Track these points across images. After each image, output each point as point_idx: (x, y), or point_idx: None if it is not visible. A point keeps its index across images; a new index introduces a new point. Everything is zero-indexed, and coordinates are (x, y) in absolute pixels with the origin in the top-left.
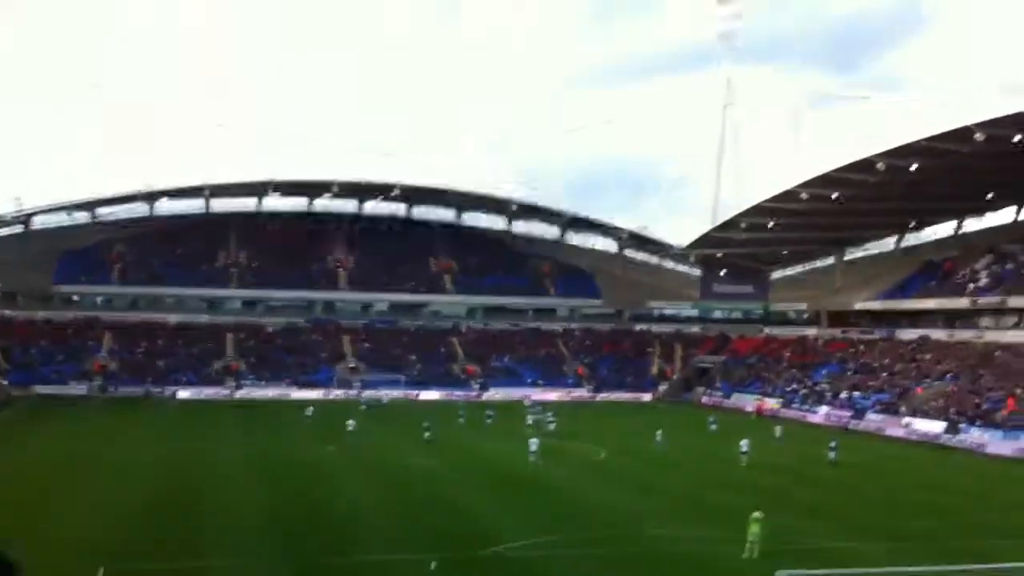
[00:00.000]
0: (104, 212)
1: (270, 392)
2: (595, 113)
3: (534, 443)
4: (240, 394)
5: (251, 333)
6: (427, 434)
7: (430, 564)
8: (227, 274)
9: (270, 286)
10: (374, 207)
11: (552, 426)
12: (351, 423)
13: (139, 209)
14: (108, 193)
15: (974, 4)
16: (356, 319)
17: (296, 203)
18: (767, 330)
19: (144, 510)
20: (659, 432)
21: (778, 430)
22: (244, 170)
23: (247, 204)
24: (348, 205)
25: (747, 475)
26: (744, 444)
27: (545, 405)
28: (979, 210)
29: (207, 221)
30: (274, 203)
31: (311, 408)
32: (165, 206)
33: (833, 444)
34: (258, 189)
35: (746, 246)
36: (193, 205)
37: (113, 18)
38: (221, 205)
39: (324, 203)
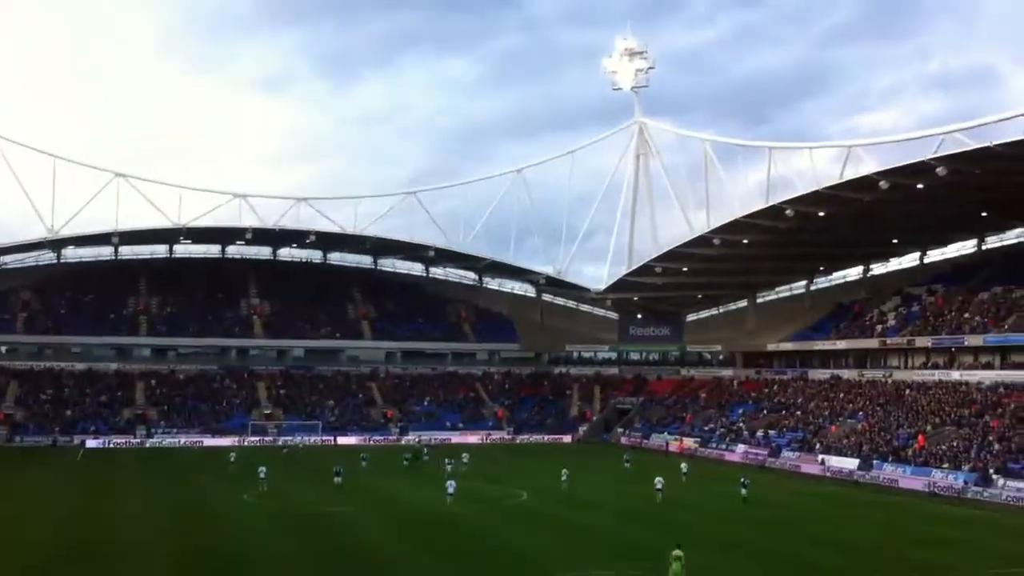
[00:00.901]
0: (9, 260)
1: (182, 440)
2: (509, 162)
3: (451, 485)
4: (151, 442)
5: (162, 381)
6: (337, 479)
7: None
8: (136, 321)
9: (182, 333)
10: (289, 253)
11: (464, 467)
12: (262, 470)
13: (45, 256)
14: (12, 241)
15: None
16: (272, 365)
17: (208, 249)
18: (684, 371)
19: (48, 564)
20: (564, 471)
21: (684, 466)
22: (154, 217)
23: (157, 251)
24: (262, 251)
25: (662, 513)
26: (658, 482)
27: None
28: (885, 255)
29: (116, 267)
30: (185, 249)
31: (233, 454)
32: (72, 253)
33: (745, 481)
34: (169, 236)
35: (661, 290)
36: (101, 252)
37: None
38: (131, 251)
39: (237, 249)
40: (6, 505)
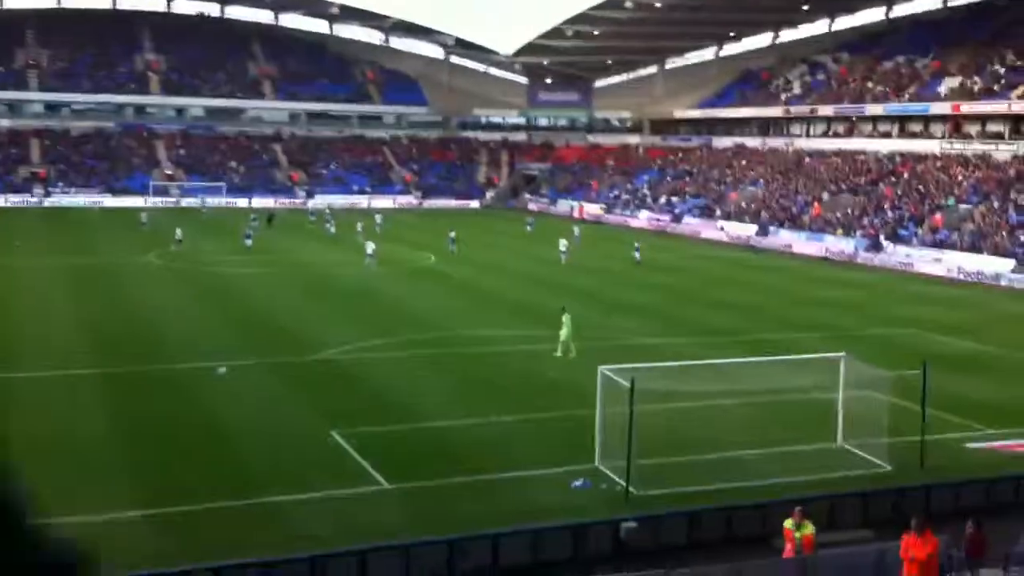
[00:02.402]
0: None
1: (81, 199)
2: None
3: (370, 247)
4: (49, 202)
5: (57, 138)
6: (248, 242)
7: (218, 369)
8: (25, 75)
9: (75, 89)
10: (184, 6)
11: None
12: (178, 232)
13: None
14: None
15: None
16: (170, 124)
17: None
18: (591, 138)
19: None
20: (451, 233)
21: (576, 230)
22: None
23: (45, 0)
24: (156, 3)
25: (560, 275)
26: (563, 244)
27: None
28: (794, 22)
29: (1, 18)
30: (74, 0)
31: (145, 215)
32: None
33: (637, 245)
34: None
35: (571, 54)
36: None
37: None
38: (15, 2)
39: (128, 0)
40: None
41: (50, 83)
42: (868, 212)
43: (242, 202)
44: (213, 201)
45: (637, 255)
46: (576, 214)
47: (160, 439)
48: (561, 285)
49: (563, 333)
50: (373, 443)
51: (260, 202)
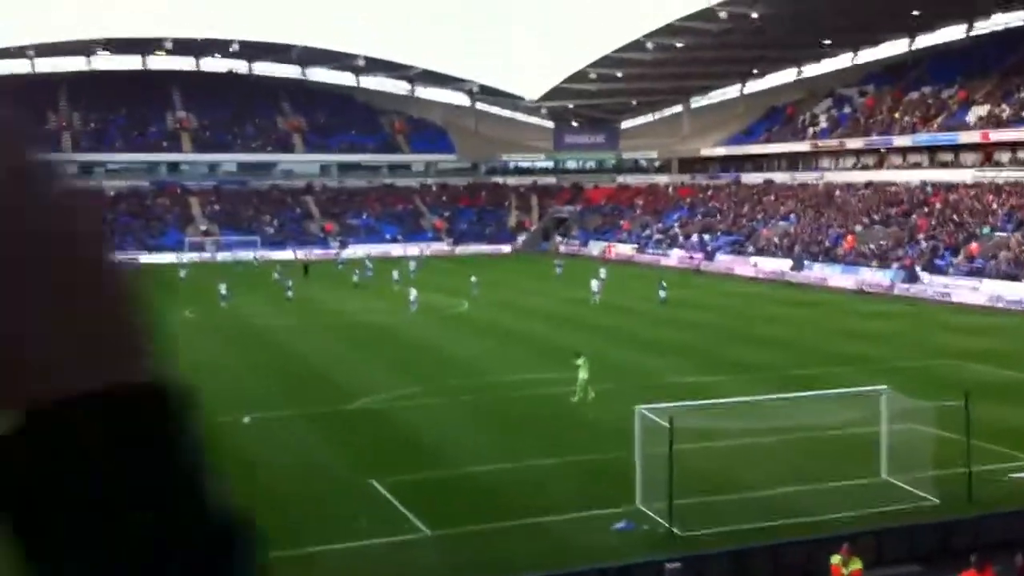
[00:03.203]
0: None
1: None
2: None
3: (413, 293)
4: None
5: None
6: (289, 293)
7: (244, 419)
8: (58, 137)
9: (108, 149)
10: (213, 64)
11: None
12: (222, 287)
13: None
14: None
15: None
16: (203, 180)
17: (128, 61)
18: (620, 179)
19: None
20: (473, 278)
21: (602, 271)
22: (70, 28)
23: (75, 64)
24: (185, 63)
25: (591, 315)
26: (594, 284)
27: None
28: (818, 56)
29: (34, 82)
30: (105, 63)
31: (184, 271)
32: None
33: (663, 283)
34: (85, 48)
35: (596, 97)
36: (16, 66)
37: None
38: (47, 65)
39: (158, 61)
40: None
41: (83, 144)
42: (903, 243)
43: (281, 255)
44: (247, 255)
45: (663, 294)
46: (605, 255)
47: None
48: (593, 326)
49: (580, 377)
50: (413, 490)
51: (297, 254)
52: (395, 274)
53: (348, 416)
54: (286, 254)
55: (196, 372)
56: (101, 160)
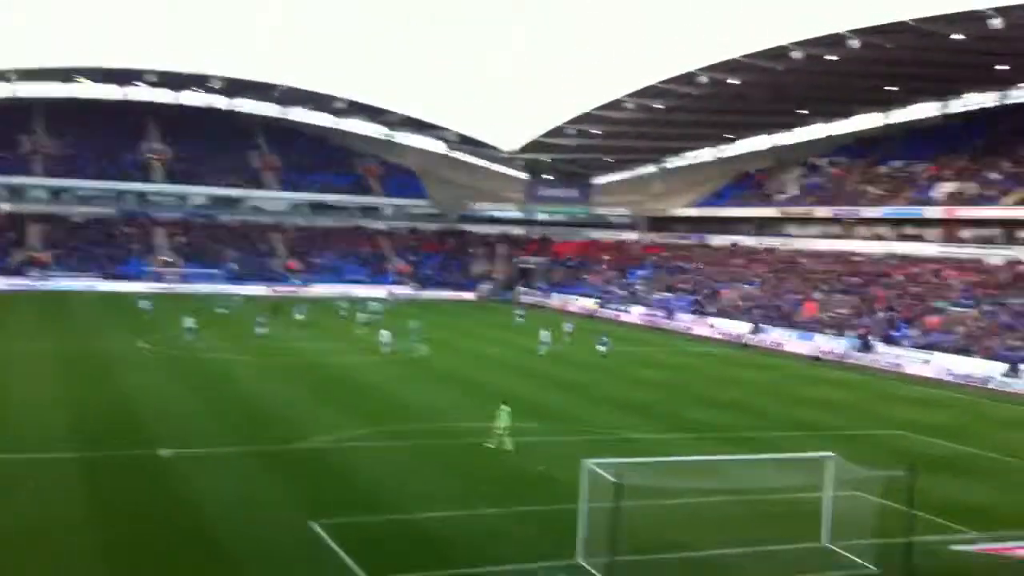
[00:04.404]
0: None
1: (77, 284)
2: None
3: (385, 335)
4: (45, 285)
5: (58, 223)
6: (260, 330)
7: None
8: (31, 161)
9: (79, 175)
10: (192, 98)
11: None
12: (188, 320)
13: None
14: None
15: None
16: (172, 211)
17: (108, 91)
18: (589, 233)
19: None
20: (412, 322)
21: (568, 326)
22: (52, 55)
23: (55, 90)
24: (164, 95)
25: (546, 367)
26: (544, 335)
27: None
28: (791, 125)
29: (10, 106)
30: (84, 90)
31: (148, 302)
32: None
33: (604, 339)
34: (66, 75)
35: (572, 152)
36: None
37: None
38: (26, 90)
39: (138, 92)
40: None
41: (54, 169)
42: (861, 312)
43: (246, 290)
44: (211, 288)
45: (602, 348)
46: (568, 308)
47: (134, 524)
48: (548, 377)
49: (500, 425)
50: (354, 534)
51: (255, 290)
52: (360, 316)
53: (293, 454)
54: (253, 289)
55: (153, 402)
56: (71, 186)
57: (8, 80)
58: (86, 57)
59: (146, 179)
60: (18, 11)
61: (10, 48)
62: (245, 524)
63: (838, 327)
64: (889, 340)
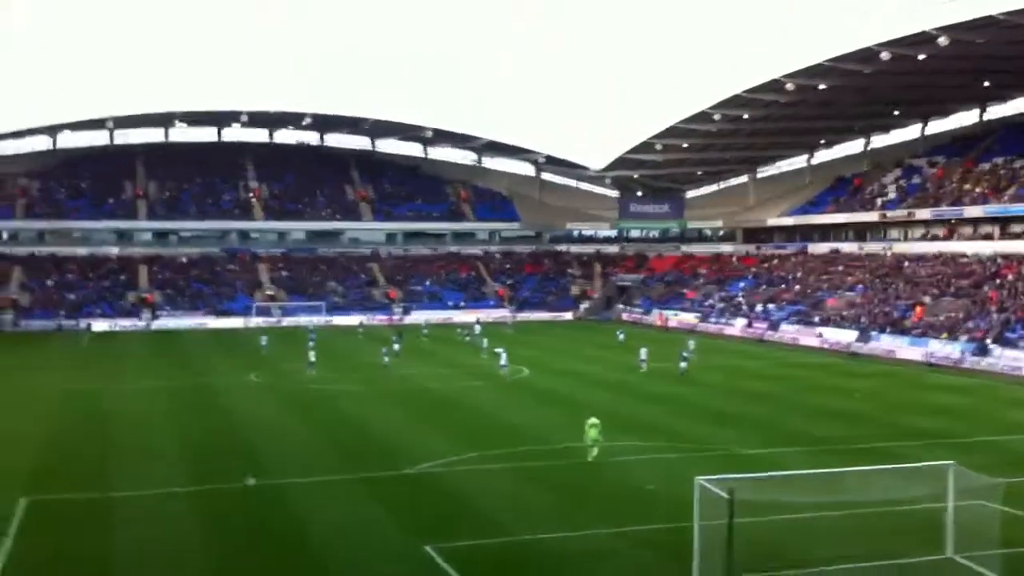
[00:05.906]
0: (3, 146)
1: (186, 322)
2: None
3: (503, 355)
4: (156, 324)
5: (164, 264)
6: (385, 359)
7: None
8: (135, 205)
9: (181, 217)
10: (285, 136)
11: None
12: (311, 355)
13: (40, 142)
14: (7, 128)
15: None
16: (273, 248)
17: (205, 133)
18: (684, 248)
19: (57, 439)
20: (501, 350)
21: (691, 343)
22: (148, 101)
23: (153, 135)
24: (259, 135)
25: (651, 385)
26: (643, 352)
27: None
28: (886, 127)
29: (112, 153)
30: (181, 134)
31: (265, 337)
32: (67, 138)
33: (685, 354)
34: (163, 120)
35: (661, 167)
36: (96, 137)
37: None
38: (125, 137)
39: (233, 133)
40: (23, 381)
41: (157, 212)
42: (973, 315)
43: (347, 320)
44: (313, 320)
45: (683, 364)
46: (658, 322)
47: (248, 553)
48: (653, 395)
49: (592, 436)
50: (468, 557)
51: (360, 318)
52: (466, 338)
53: (404, 480)
54: (353, 319)
55: (271, 435)
56: (175, 228)
57: (107, 128)
58: (180, 102)
59: (246, 217)
60: (113, 61)
61: (107, 96)
62: (356, 550)
63: (950, 331)
64: (1005, 342)
